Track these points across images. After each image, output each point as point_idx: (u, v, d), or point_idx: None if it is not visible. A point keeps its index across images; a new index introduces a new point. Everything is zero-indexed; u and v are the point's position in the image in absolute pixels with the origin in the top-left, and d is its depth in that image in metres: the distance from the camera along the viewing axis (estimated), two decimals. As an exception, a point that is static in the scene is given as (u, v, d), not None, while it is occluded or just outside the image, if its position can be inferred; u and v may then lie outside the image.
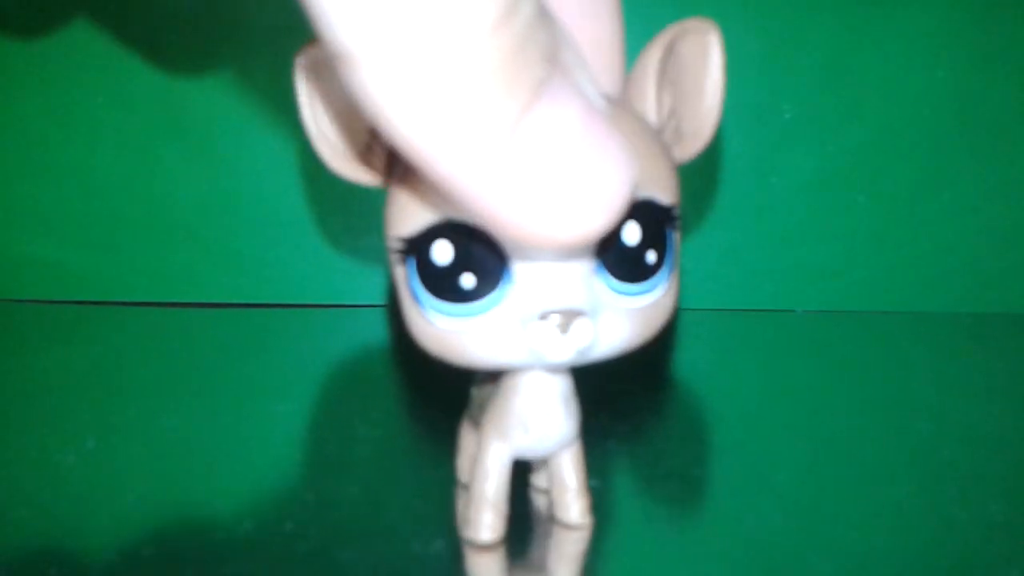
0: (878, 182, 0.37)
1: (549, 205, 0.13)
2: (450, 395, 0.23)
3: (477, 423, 0.21)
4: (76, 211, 0.38)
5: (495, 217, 0.13)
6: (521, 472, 0.21)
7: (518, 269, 0.16)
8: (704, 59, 0.17)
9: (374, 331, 0.37)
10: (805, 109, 0.36)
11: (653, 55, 0.17)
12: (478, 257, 0.16)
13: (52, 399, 0.29)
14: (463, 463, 0.22)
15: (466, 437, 0.22)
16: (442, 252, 0.16)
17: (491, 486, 0.19)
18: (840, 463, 0.25)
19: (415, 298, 0.17)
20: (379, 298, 0.38)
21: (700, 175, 0.37)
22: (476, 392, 0.22)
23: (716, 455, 0.26)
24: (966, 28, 0.35)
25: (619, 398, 0.28)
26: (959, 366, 0.33)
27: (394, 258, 0.17)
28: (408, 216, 0.17)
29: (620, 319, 0.17)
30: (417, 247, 0.17)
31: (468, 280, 0.16)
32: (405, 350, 0.35)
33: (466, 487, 0.21)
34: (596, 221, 0.14)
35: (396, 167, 0.18)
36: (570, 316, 0.16)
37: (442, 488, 0.23)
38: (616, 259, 0.17)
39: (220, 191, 0.37)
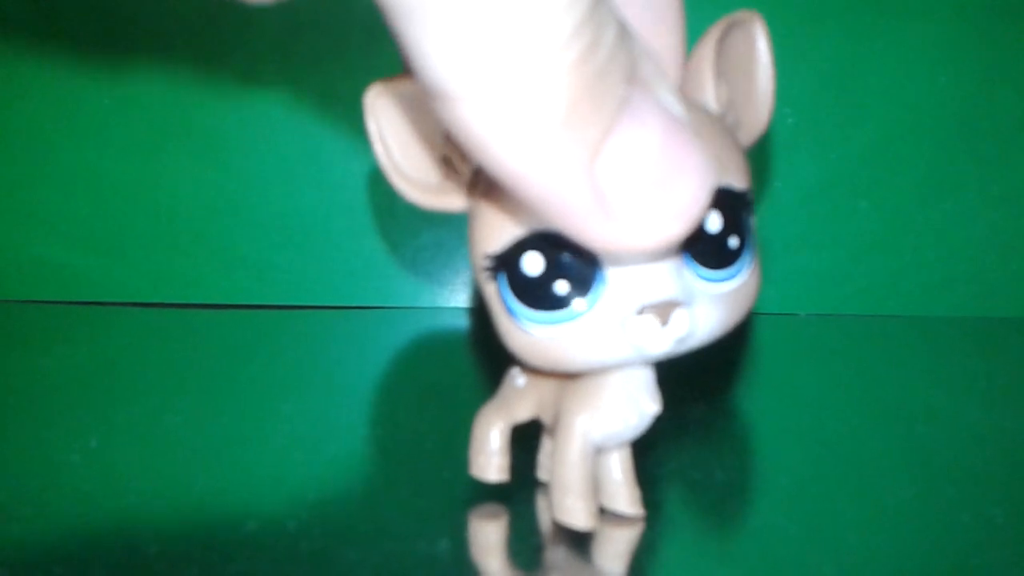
0: (881, 187, 0.37)
1: (634, 218, 0.14)
2: (451, 395, 0.23)
3: (503, 409, 0.21)
4: (82, 213, 0.38)
5: (584, 233, 0.15)
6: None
7: (610, 270, 0.17)
8: (752, 49, 0.18)
9: (376, 333, 0.37)
10: (808, 115, 0.36)
11: (708, 48, 0.18)
12: (569, 264, 0.17)
13: (56, 399, 0.29)
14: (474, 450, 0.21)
15: (488, 427, 0.21)
16: (533, 263, 0.17)
17: (581, 470, 0.19)
18: (843, 466, 0.25)
19: (510, 312, 0.17)
20: (381, 300, 0.38)
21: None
22: (529, 381, 0.21)
23: (718, 456, 0.26)
24: (968, 35, 0.35)
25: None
26: (961, 370, 0.34)
27: (483, 276, 0.18)
28: (495, 233, 0.17)
29: (713, 306, 0.17)
30: (507, 262, 0.17)
31: (562, 287, 0.17)
32: (407, 351, 0.35)
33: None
34: (679, 228, 0.14)
35: (475, 190, 0.18)
36: (668, 308, 0.17)
37: (446, 488, 0.23)
38: (702, 248, 0.17)
39: (225, 193, 0.37)
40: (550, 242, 0.17)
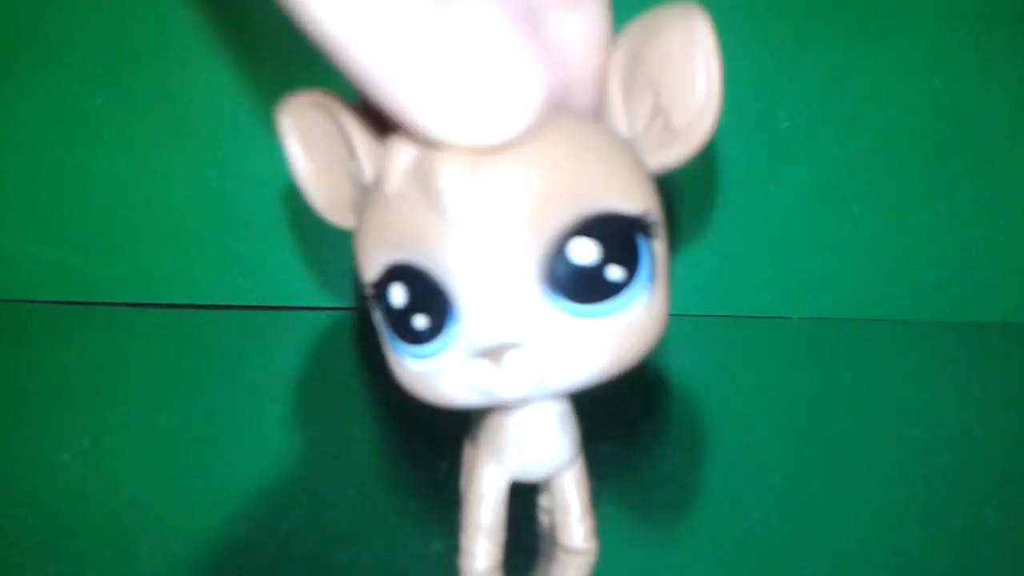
0: (873, 191, 0.37)
1: (460, 98, 0.14)
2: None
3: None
4: (76, 212, 0.38)
5: (409, 110, 0.14)
6: (527, 492, 0.21)
7: (463, 306, 0.15)
8: (690, 47, 0.15)
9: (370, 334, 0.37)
10: (802, 118, 0.36)
11: (615, 58, 0.16)
12: (426, 296, 0.16)
13: (48, 399, 0.29)
14: (465, 483, 0.21)
15: (467, 456, 0.21)
16: (397, 295, 0.16)
17: (486, 511, 0.18)
18: (836, 468, 0.25)
19: (389, 341, 0.17)
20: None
21: (697, 183, 0.37)
22: (475, 413, 0.21)
23: (711, 459, 0.26)
24: (962, 39, 0.35)
25: (613, 403, 0.28)
26: (953, 373, 0.34)
27: (371, 304, 0.17)
28: (366, 262, 0.17)
29: (593, 342, 0.15)
30: (379, 291, 0.16)
31: (421, 321, 0.16)
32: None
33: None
34: (506, 119, 0.14)
35: (358, 214, 0.17)
36: (501, 350, 0.15)
37: (437, 490, 0.23)
38: (569, 280, 0.15)
39: (220, 193, 0.37)
40: (410, 275, 0.16)
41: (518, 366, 0.15)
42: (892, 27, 0.35)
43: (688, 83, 0.16)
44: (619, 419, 0.27)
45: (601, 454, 0.25)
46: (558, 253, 0.15)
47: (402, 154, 0.16)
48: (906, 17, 0.35)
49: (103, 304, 0.38)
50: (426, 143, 0.15)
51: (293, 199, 0.37)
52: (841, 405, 0.30)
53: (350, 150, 0.17)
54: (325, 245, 0.38)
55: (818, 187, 0.37)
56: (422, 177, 0.15)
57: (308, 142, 0.18)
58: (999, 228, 0.37)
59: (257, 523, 0.21)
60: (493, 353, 0.15)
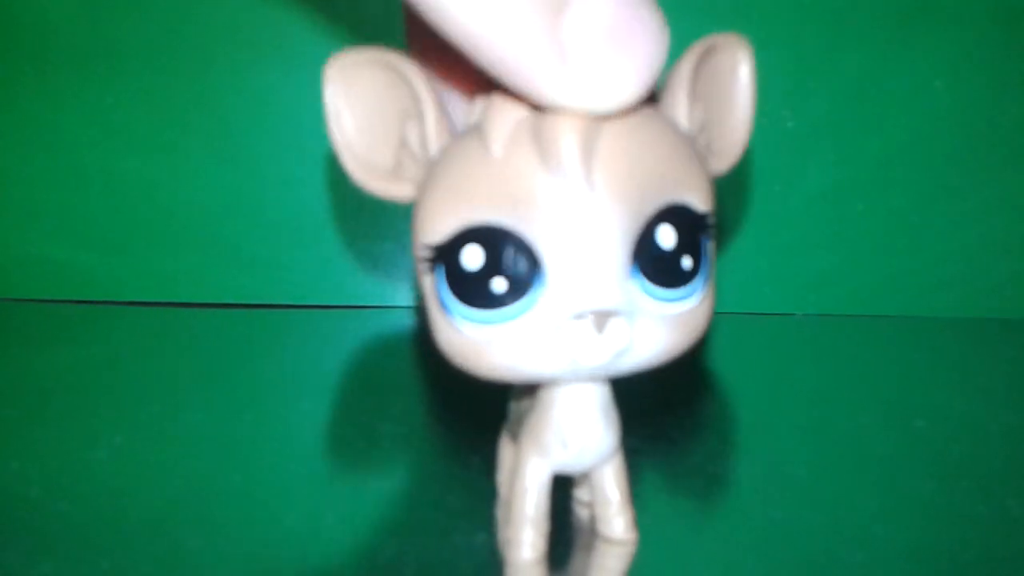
0: (878, 189, 0.37)
1: (589, 72, 0.15)
2: (470, 393, 0.23)
3: (515, 437, 0.20)
4: (91, 212, 0.38)
5: (539, 87, 0.15)
6: (563, 485, 0.21)
7: (551, 272, 0.16)
8: (734, 75, 0.17)
9: (388, 331, 0.37)
10: (807, 118, 0.37)
11: (685, 68, 0.17)
12: (509, 261, 0.16)
13: (75, 398, 0.29)
14: (503, 477, 0.22)
15: (505, 451, 0.22)
16: (472, 257, 0.16)
17: (531, 504, 0.19)
18: (852, 459, 0.25)
19: (443, 307, 0.16)
20: (394, 299, 0.39)
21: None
22: (514, 406, 0.21)
23: (734, 452, 0.26)
24: (967, 42, 0.36)
25: (632, 398, 0.28)
26: (958, 369, 0.34)
27: (422, 267, 0.17)
28: (436, 223, 0.16)
29: (658, 325, 0.16)
30: (446, 253, 0.16)
31: (500, 285, 0.16)
32: (423, 350, 0.35)
33: (506, 502, 0.20)
34: (632, 87, 0.15)
35: (423, 177, 0.17)
36: (605, 316, 0.16)
37: (472, 483, 0.23)
38: (652, 263, 0.16)
39: (234, 192, 0.37)
40: (493, 237, 0.16)
41: (617, 334, 0.16)
42: (897, 31, 0.36)
43: (729, 108, 0.17)
44: (639, 414, 0.27)
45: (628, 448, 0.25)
46: (648, 234, 0.16)
47: (510, 114, 0.16)
48: (912, 22, 0.36)
49: (121, 303, 0.38)
50: (537, 106, 0.15)
51: (308, 197, 0.37)
52: (845, 398, 0.31)
53: (408, 111, 0.17)
54: (341, 244, 0.38)
55: (822, 186, 0.37)
56: (540, 138, 0.16)
57: (354, 100, 0.17)
58: (1001, 227, 0.38)
59: (302, 516, 0.22)
60: (597, 319, 0.16)
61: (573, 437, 0.18)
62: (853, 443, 0.27)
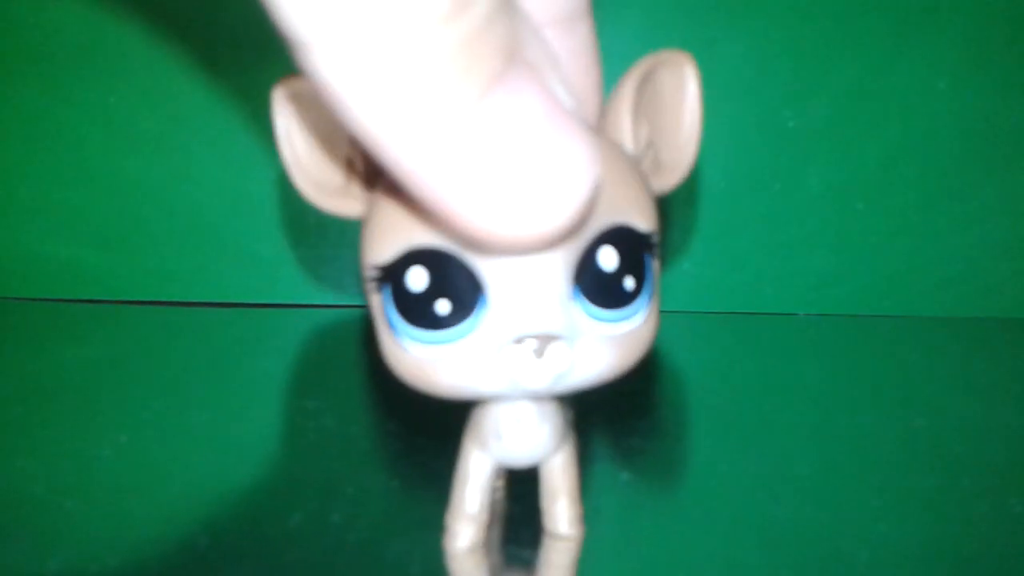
0: (878, 190, 0.38)
1: (508, 196, 0.13)
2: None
3: None
4: (95, 212, 0.38)
5: (454, 211, 0.13)
6: (522, 480, 0.21)
7: (493, 294, 0.16)
8: (681, 92, 0.17)
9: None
10: (808, 118, 0.37)
11: (628, 86, 0.17)
12: (453, 282, 0.16)
13: (77, 396, 0.29)
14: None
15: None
16: (417, 278, 0.16)
17: (468, 494, 0.19)
18: (852, 458, 0.26)
19: (390, 326, 0.17)
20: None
21: (703, 182, 0.38)
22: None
23: (722, 457, 0.26)
24: (968, 43, 0.36)
25: (621, 398, 0.29)
26: (959, 368, 0.34)
27: (370, 287, 0.17)
28: (383, 243, 0.17)
29: (599, 346, 0.17)
30: (392, 274, 0.16)
31: (443, 306, 0.16)
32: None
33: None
34: (558, 215, 0.13)
35: (370, 197, 0.18)
36: (545, 340, 0.16)
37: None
38: (593, 284, 0.16)
39: (237, 192, 0.37)
40: (437, 259, 0.16)
41: (557, 358, 0.16)
42: (895, 28, 0.36)
43: (675, 125, 0.17)
44: (626, 414, 0.28)
45: (599, 449, 0.25)
46: (589, 257, 0.16)
47: None
48: (911, 23, 0.36)
49: (122, 302, 0.38)
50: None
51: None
52: (848, 398, 0.31)
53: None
54: (342, 244, 0.38)
55: (823, 186, 0.38)
56: None
57: (304, 120, 0.17)
58: (1001, 227, 0.38)
59: (308, 514, 0.22)
60: (538, 343, 0.16)
61: (507, 430, 0.19)
62: (854, 442, 0.27)
